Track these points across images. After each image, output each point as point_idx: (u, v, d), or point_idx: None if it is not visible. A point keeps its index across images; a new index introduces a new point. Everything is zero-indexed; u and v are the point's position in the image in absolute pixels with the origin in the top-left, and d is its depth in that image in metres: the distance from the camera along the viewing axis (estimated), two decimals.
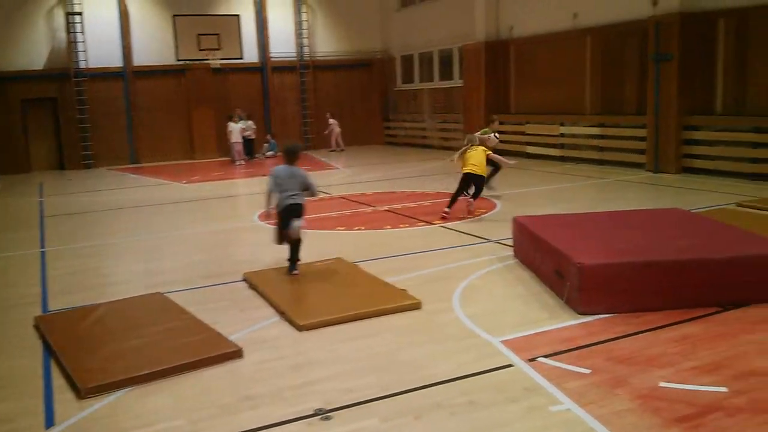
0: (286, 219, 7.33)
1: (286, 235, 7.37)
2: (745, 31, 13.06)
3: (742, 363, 4.70)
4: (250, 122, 21.58)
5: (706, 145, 13.74)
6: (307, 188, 7.57)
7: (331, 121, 23.67)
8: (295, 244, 7.39)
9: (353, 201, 12.65)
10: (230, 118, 21.26)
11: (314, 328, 5.72)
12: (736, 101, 13.37)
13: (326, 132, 23.81)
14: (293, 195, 7.37)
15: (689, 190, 12.20)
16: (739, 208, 10.21)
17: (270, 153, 22.41)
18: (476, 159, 10.27)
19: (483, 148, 10.46)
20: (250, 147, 21.68)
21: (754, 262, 5.89)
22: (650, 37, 14.35)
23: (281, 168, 7.53)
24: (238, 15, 23.01)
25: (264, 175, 17.53)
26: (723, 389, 4.30)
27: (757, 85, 12.98)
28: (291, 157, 7.58)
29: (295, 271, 7.35)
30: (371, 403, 4.36)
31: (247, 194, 14.62)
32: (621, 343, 5.16)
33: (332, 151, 23.48)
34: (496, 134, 11.94)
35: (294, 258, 7.42)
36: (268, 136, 22.87)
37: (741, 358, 4.80)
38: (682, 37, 13.72)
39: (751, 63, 13.03)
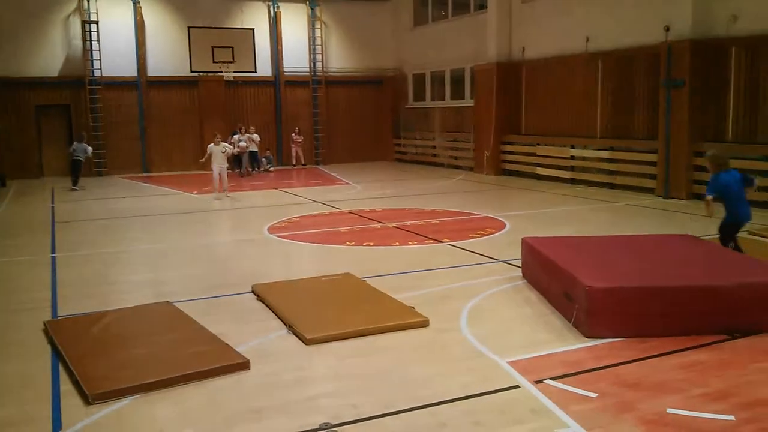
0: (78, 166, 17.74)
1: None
2: (758, 60, 13.09)
3: (751, 392, 4.68)
4: (255, 135, 21.65)
5: None
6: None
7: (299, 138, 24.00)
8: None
9: (363, 216, 12.68)
10: (236, 131, 21.46)
11: (321, 343, 5.73)
12: (747, 129, 13.38)
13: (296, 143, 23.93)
14: (80, 155, 18.06)
15: (700, 217, 12.15)
16: (751, 236, 10.17)
17: (270, 166, 22.58)
18: None
19: None
20: (254, 159, 21.87)
21: (763, 289, 5.87)
22: (662, 63, 14.41)
23: (80, 145, 17.93)
24: (252, 29, 23.18)
25: (274, 188, 17.66)
26: (731, 418, 4.28)
27: None
28: (81, 139, 18.28)
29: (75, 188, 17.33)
30: (376, 420, 4.36)
31: (257, 206, 14.67)
32: (628, 368, 5.14)
33: (296, 165, 23.80)
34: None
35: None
36: (268, 152, 22.99)
37: (749, 386, 4.77)
38: (694, 63, 13.77)
39: (763, 91, 13.04)
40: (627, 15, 15.68)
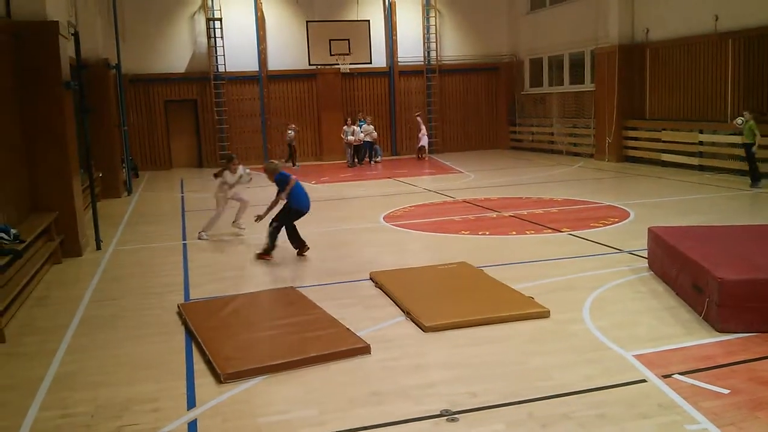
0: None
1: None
2: None
3: None
4: (354, 128, 21.53)
5: None
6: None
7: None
8: None
9: (478, 206, 12.59)
10: (353, 121, 21.72)
11: (439, 330, 5.77)
12: None
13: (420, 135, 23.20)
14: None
15: None
16: None
17: (378, 157, 22.56)
18: None
19: None
20: (369, 150, 22.01)
21: None
22: None
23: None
24: (368, 20, 23.42)
25: (389, 178, 17.84)
26: None
27: None
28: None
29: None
30: (497, 409, 4.36)
31: (374, 196, 14.87)
32: (763, 364, 4.88)
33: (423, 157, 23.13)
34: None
35: None
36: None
37: None
38: None
39: None
40: None
